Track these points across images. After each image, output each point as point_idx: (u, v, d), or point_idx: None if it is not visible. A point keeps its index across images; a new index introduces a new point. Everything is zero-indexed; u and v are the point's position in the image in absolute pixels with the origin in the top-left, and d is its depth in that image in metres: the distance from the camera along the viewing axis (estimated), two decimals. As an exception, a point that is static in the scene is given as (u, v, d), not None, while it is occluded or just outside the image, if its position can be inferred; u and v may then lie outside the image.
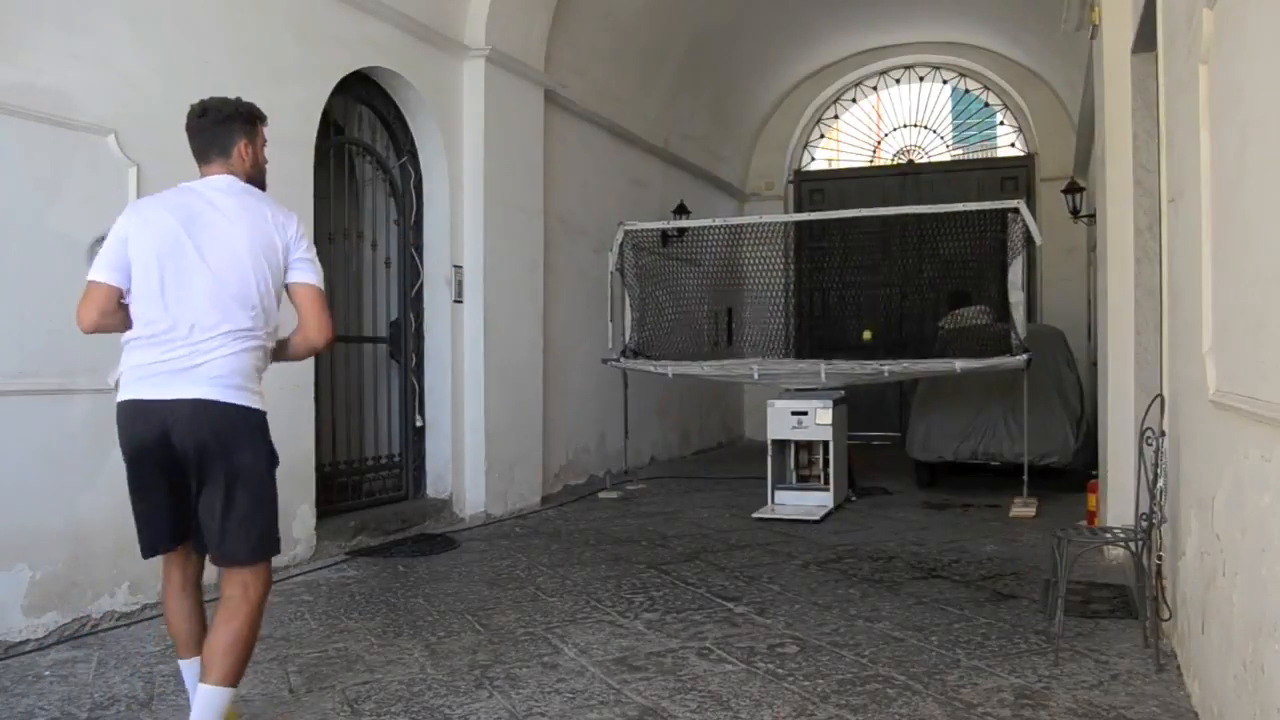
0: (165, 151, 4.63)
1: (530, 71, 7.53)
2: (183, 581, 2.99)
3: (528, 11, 7.44)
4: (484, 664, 3.78)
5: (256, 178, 3.00)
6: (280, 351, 2.99)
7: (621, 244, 8.12)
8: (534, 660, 3.82)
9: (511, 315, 7.37)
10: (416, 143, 6.82)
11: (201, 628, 2.98)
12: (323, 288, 2.95)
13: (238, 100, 3.01)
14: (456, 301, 6.94)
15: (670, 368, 7.88)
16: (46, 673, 3.74)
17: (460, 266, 6.96)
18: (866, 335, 8.10)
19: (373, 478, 6.61)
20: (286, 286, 2.92)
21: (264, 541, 2.84)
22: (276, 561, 5.21)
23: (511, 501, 7.30)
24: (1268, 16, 2.16)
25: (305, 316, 2.93)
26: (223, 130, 2.93)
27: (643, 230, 8.46)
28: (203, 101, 2.99)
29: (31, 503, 4.06)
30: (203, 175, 2.94)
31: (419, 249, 6.87)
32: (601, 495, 8.08)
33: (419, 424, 6.85)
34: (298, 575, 5.26)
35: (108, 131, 4.40)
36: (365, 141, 6.62)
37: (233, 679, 2.79)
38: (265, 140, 3.07)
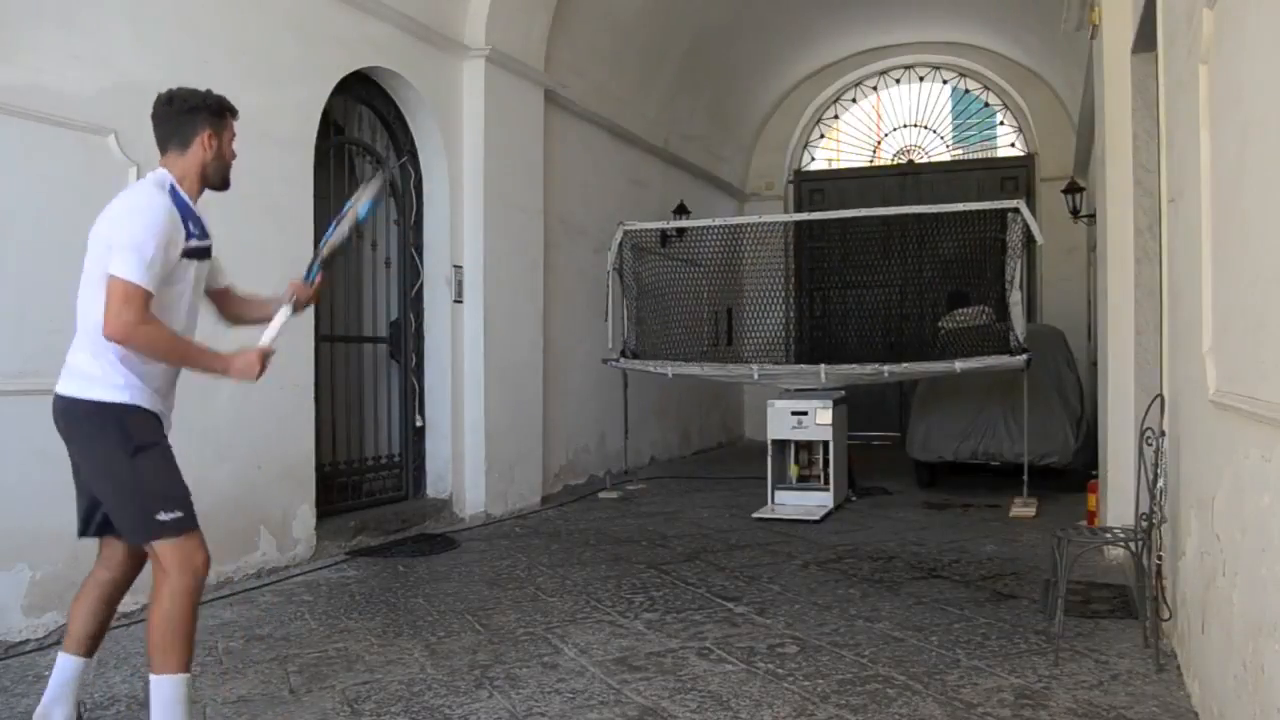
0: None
1: (530, 71, 7.53)
2: (99, 578, 3.01)
3: (528, 11, 7.44)
4: (484, 664, 3.78)
5: (221, 170, 2.97)
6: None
7: (621, 244, 8.12)
8: (534, 660, 3.82)
9: (511, 315, 7.36)
10: (416, 143, 6.82)
11: (94, 630, 2.98)
12: (127, 278, 2.69)
13: (207, 92, 2.99)
14: (456, 301, 6.94)
15: (670, 368, 7.88)
16: (46, 673, 3.71)
17: (460, 266, 6.96)
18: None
19: (373, 478, 6.61)
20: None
21: (145, 524, 2.78)
22: (278, 561, 5.29)
23: (511, 501, 7.30)
24: (1268, 16, 2.16)
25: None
26: (186, 120, 2.90)
27: (642, 230, 8.46)
28: (170, 90, 2.96)
29: (31, 503, 4.05)
30: (162, 166, 2.93)
31: (419, 249, 6.87)
32: (601, 495, 8.08)
33: (419, 424, 6.85)
34: (298, 575, 5.26)
35: (108, 131, 4.40)
36: (365, 141, 6.62)
37: (174, 664, 2.75)
38: (234, 134, 3.02)
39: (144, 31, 4.62)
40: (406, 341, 6.79)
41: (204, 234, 2.95)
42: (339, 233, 3.21)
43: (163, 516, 2.78)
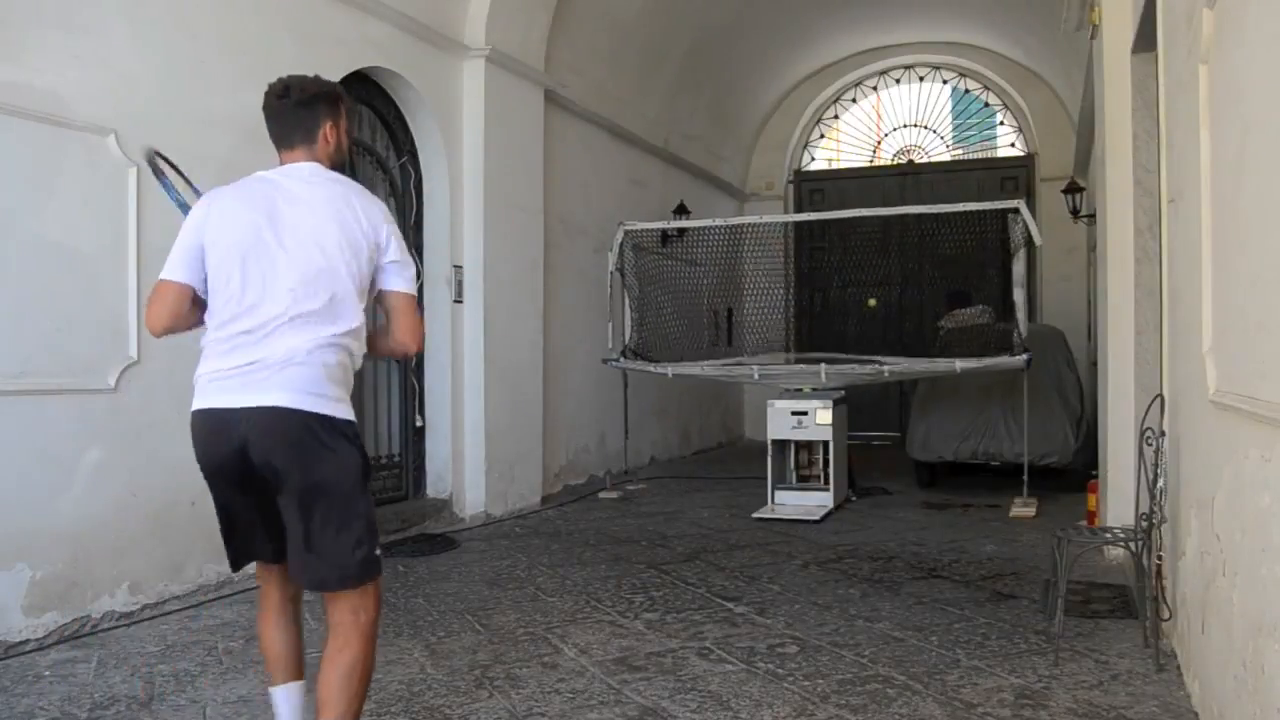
0: (165, 152, 4.63)
1: (530, 71, 7.53)
2: (281, 600, 2.69)
3: (528, 11, 7.44)
4: (484, 664, 3.78)
5: (340, 163, 2.74)
6: (370, 345, 2.70)
7: (621, 244, 8.12)
8: (534, 660, 3.82)
9: (511, 315, 7.37)
10: (416, 143, 6.82)
11: (299, 650, 2.72)
12: (414, 292, 2.70)
13: (319, 79, 2.73)
14: (456, 301, 6.94)
15: (670, 368, 7.88)
16: (46, 673, 3.74)
17: (460, 266, 6.96)
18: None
19: (373, 477, 6.60)
20: (379, 290, 2.66)
21: (368, 561, 2.51)
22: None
23: (511, 501, 7.30)
24: (1268, 16, 2.16)
25: (396, 320, 2.69)
26: (307, 113, 2.64)
27: (643, 230, 8.46)
28: (283, 80, 2.68)
29: (31, 503, 4.06)
30: (283, 162, 2.65)
31: (419, 249, 6.86)
32: (601, 495, 8.08)
33: (419, 424, 6.85)
34: (298, 575, 5.25)
35: (107, 131, 4.40)
36: (365, 141, 6.62)
37: (356, 711, 2.50)
38: (349, 122, 2.77)
39: (143, 32, 4.62)
40: (406, 341, 6.78)
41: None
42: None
43: (379, 552, 2.57)
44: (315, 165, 2.64)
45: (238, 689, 3.53)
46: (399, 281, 2.67)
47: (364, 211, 2.60)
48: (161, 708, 3.36)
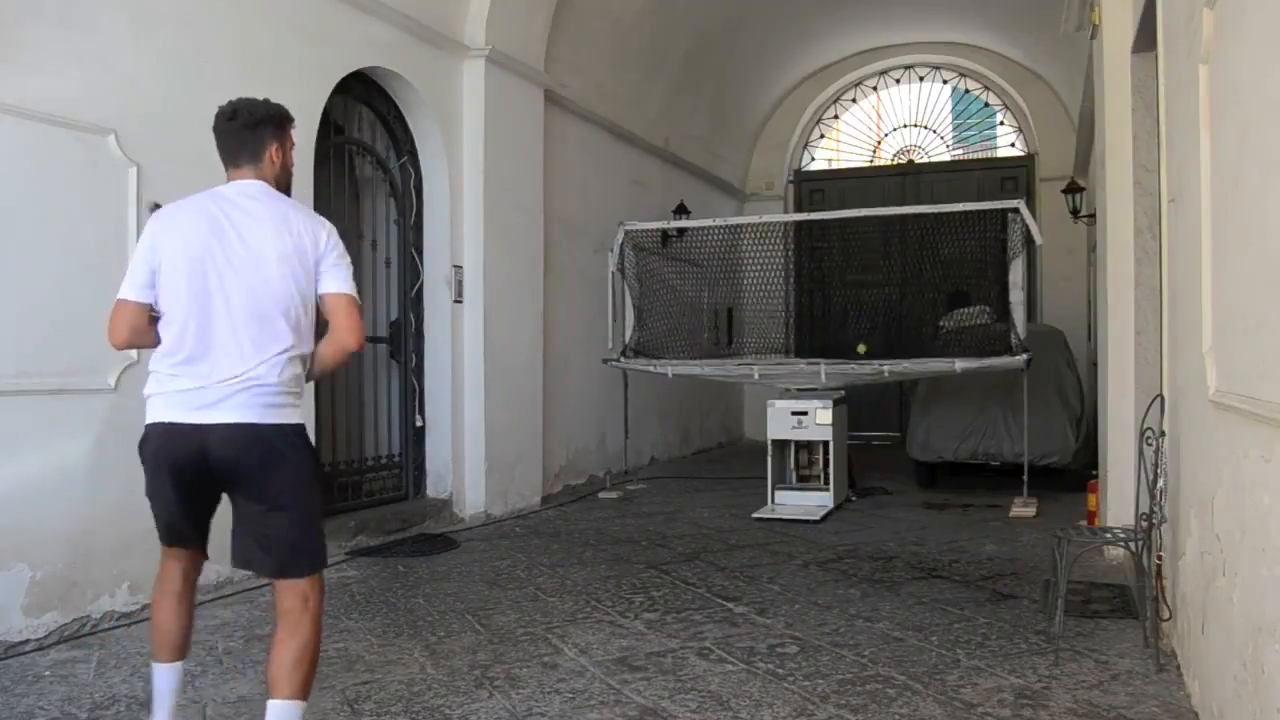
0: (165, 151, 4.64)
1: (530, 71, 7.53)
2: (183, 583, 2.89)
3: (528, 11, 7.44)
4: (484, 664, 3.78)
5: (284, 182, 2.92)
6: (311, 365, 2.85)
7: (622, 244, 8.12)
8: (534, 660, 3.82)
9: (511, 315, 7.37)
10: (416, 143, 6.82)
11: (189, 632, 2.91)
12: (354, 294, 2.83)
13: (267, 102, 2.91)
14: (456, 301, 6.94)
15: (670, 368, 7.88)
16: (46, 673, 3.74)
17: (460, 266, 6.96)
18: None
19: (373, 478, 6.61)
20: (318, 296, 2.79)
21: (317, 553, 2.77)
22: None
23: (511, 501, 7.30)
24: (1267, 16, 2.16)
25: (335, 320, 2.81)
26: (254, 134, 2.83)
27: (643, 230, 8.46)
28: (233, 103, 2.87)
29: (31, 503, 4.06)
30: (230, 179, 2.83)
31: (419, 249, 6.87)
32: (601, 495, 8.08)
33: (419, 424, 6.85)
34: (298, 575, 5.25)
35: (108, 131, 4.40)
36: (365, 141, 6.62)
37: (304, 692, 2.70)
38: (294, 143, 2.98)
39: (144, 31, 4.62)
40: (406, 341, 6.79)
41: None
42: None
43: (325, 542, 2.83)
44: (261, 183, 2.82)
45: (238, 689, 3.54)
46: (336, 284, 2.80)
47: (303, 225, 2.78)
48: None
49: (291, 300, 2.71)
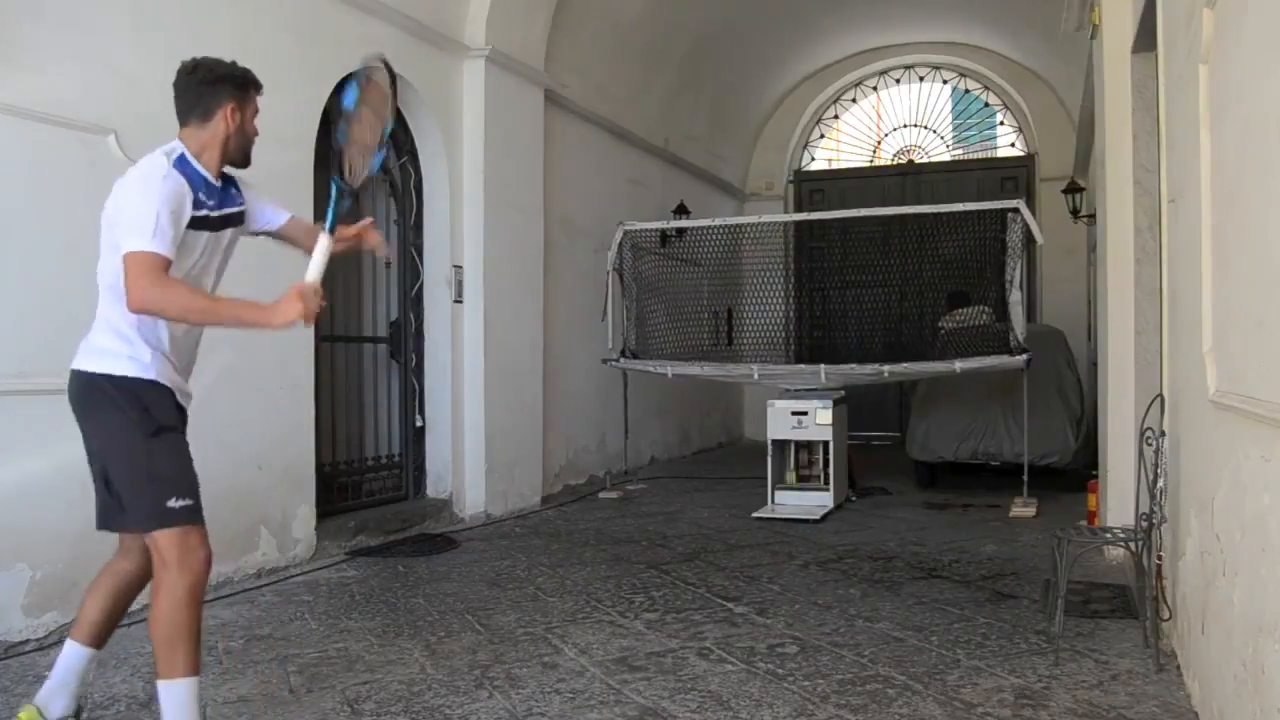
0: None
1: (530, 71, 7.53)
2: (116, 567, 2.98)
3: (528, 11, 7.44)
4: (484, 664, 3.78)
5: (243, 145, 2.91)
6: None
7: (621, 244, 8.12)
8: (534, 660, 3.82)
9: (511, 315, 7.37)
10: (416, 143, 6.82)
11: (105, 619, 2.95)
12: (134, 249, 2.64)
13: (232, 63, 2.89)
14: (456, 301, 6.94)
15: (670, 368, 7.88)
16: (46, 672, 3.72)
17: (460, 266, 6.96)
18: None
19: (373, 478, 6.61)
20: None
21: (154, 509, 2.71)
22: (278, 561, 5.29)
23: (511, 501, 7.30)
24: (1267, 16, 2.16)
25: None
26: (209, 90, 2.82)
27: (642, 230, 8.46)
28: (194, 59, 2.86)
29: (31, 503, 4.05)
30: (180, 138, 2.86)
31: (419, 249, 6.87)
32: (601, 495, 8.08)
33: (419, 424, 6.85)
34: (298, 575, 5.26)
35: (108, 131, 4.40)
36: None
37: (182, 668, 2.67)
38: (258, 110, 2.94)
39: (144, 31, 4.62)
40: (406, 341, 6.79)
41: (222, 203, 2.88)
42: (344, 135, 2.99)
43: (173, 503, 2.71)
44: (173, 144, 2.82)
45: (238, 689, 3.54)
46: (124, 244, 2.68)
47: (116, 187, 2.78)
48: (161, 708, 3.36)
49: (105, 266, 2.79)
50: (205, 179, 2.84)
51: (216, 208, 2.87)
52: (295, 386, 5.45)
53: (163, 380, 2.80)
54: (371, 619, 4.44)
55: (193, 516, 2.76)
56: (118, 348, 2.75)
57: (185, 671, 2.68)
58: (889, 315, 8.30)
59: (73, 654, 2.91)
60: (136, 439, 2.73)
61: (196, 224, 2.79)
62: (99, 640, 2.96)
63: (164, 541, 2.70)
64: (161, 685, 2.69)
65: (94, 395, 2.76)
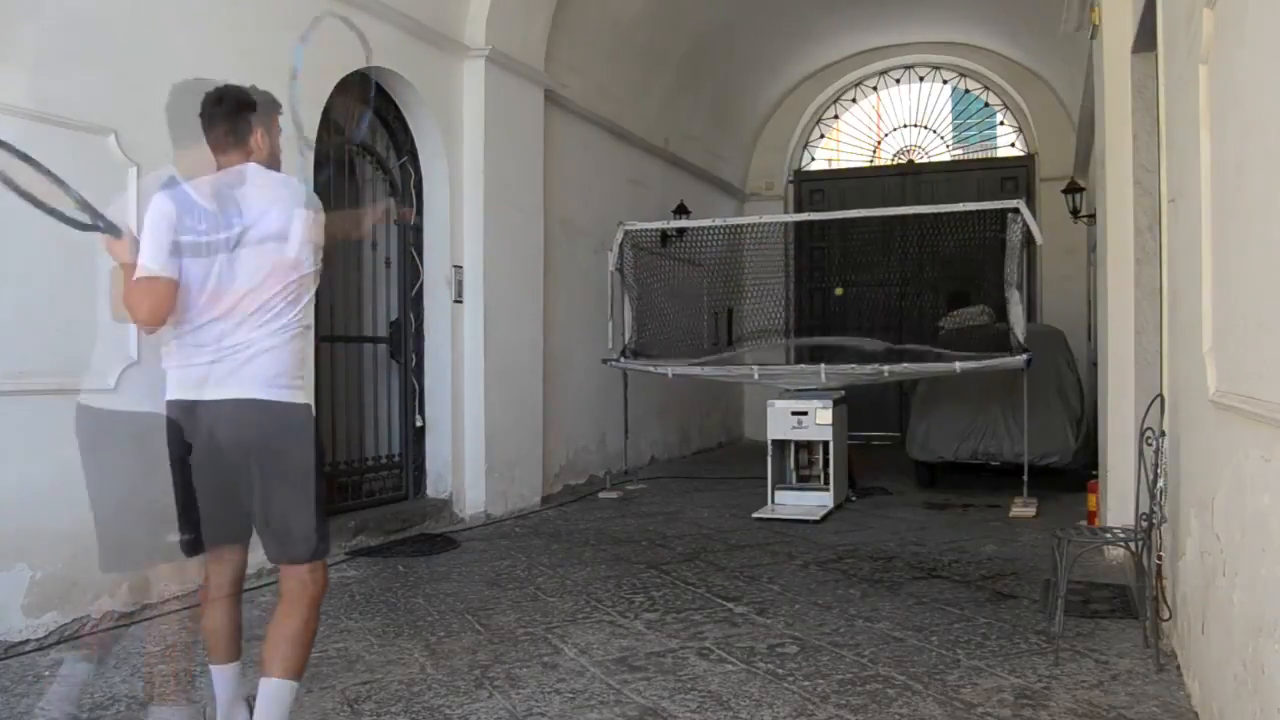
0: (165, 151, 4.62)
1: (530, 71, 7.53)
2: (233, 582, 2.97)
3: (528, 11, 7.44)
4: (484, 664, 3.78)
5: (272, 167, 2.99)
6: None
7: (621, 244, 8.12)
8: (534, 660, 3.82)
9: (511, 315, 7.37)
10: (416, 143, 6.82)
11: (240, 631, 2.99)
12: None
13: (253, 88, 2.98)
14: (456, 301, 6.93)
15: (670, 368, 7.88)
16: (46, 673, 3.74)
17: (460, 266, 6.96)
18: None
19: (373, 478, 6.61)
20: None
21: (323, 539, 2.81)
22: (276, 561, 5.27)
23: (511, 501, 7.30)
24: (1268, 16, 2.16)
25: None
26: (239, 119, 2.89)
27: (643, 230, 8.46)
28: (218, 89, 2.94)
29: (31, 503, 4.05)
30: (220, 166, 2.90)
31: (419, 249, 6.87)
32: (602, 495, 8.08)
33: (419, 424, 6.85)
34: (298, 575, 5.25)
35: (108, 131, 4.40)
36: (365, 141, 6.61)
37: (298, 671, 2.77)
38: (280, 129, 3.04)
39: (144, 31, 4.62)
40: (406, 341, 6.79)
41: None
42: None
43: (329, 531, 2.87)
44: (253, 165, 2.90)
45: (300, 683, 3.52)
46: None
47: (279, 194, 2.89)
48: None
49: (287, 277, 2.84)
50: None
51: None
52: (295, 386, 5.44)
53: None
54: (371, 619, 4.44)
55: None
56: (297, 375, 2.83)
57: (301, 674, 2.81)
58: (889, 315, 8.31)
59: (221, 677, 2.95)
60: (318, 472, 2.81)
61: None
62: (239, 652, 3.00)
63: (316, 566, 2.81)
64: (276, 682, 2.72)
65: (292, 424, 2.78)
